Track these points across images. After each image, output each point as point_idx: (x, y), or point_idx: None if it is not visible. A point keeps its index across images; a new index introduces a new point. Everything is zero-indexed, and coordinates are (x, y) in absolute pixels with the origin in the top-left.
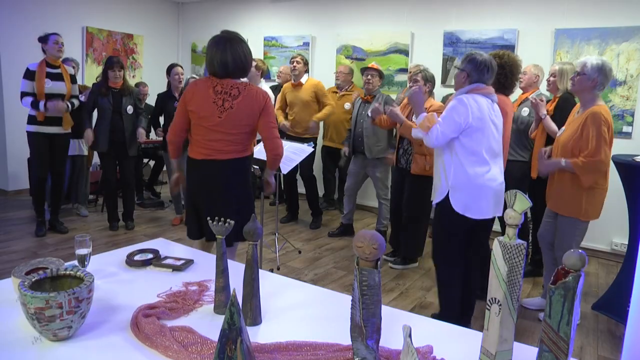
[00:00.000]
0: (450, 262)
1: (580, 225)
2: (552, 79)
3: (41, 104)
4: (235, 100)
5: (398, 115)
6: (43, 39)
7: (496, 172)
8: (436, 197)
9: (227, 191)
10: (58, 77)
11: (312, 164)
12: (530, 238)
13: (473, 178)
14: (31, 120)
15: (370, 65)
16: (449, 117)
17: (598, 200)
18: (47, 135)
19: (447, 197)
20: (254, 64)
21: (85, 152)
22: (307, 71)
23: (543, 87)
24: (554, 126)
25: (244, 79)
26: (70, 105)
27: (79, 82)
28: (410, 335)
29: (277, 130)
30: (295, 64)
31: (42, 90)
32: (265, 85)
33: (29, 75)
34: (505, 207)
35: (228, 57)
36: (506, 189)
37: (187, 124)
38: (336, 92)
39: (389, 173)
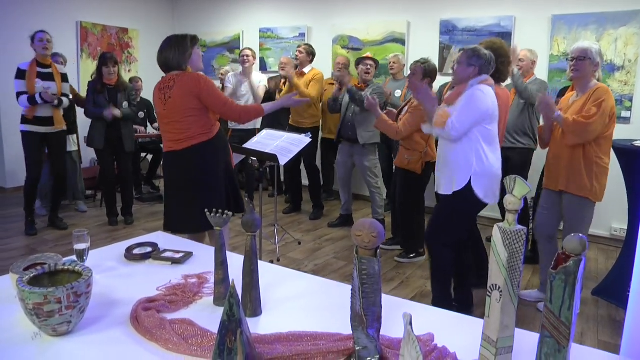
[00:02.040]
0: (452, 246)
1: (590, 208)
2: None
3: (37, 96)
4: (172, 90)
5: (374, 107)
6: (32, 38)
7: (500, 158)
8: (455, 185)
9: (188, 180)
10: (49, 77)
11: (315, 153)
12: (531, 225)
13: (493, 165)
14: (24, 119)
15: (365, 55)
16: (468, 107)
17: (604, 182)
18: (40, 135)
19: (469, 183)
20: (249, 53)
21: (75, 148)
22: (311, 62)
23: (537, 73)
24: None
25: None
26: (58, 102)
27: (75, 77)
28: (410, 323)
29: (227, 103)
30: (297, 53)
31: (32, 91)
32: (257, 75)
33: (21, 74)
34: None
35: (159, 57)
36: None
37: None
38: (333, 84)
39: (378, 161)
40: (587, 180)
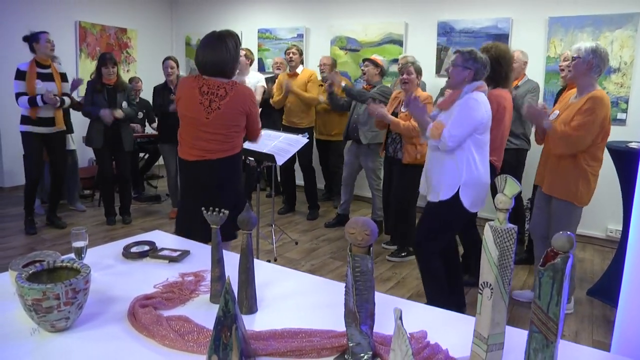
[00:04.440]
0: (439, 253)
1: (575, 211)
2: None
3: (38, 98)
4: (223, 101)
5: (385, 116)
6: (33, 38)
7: (488, 166)
8: (442, 194)
9: (219, 190)
10: (49, 77)
11: (311, 154)
12: (526, 226)
13: (483, 174)
14: (24, 120)
15: (370, 57)
16: (464, 117)
17: (592, 187)
18: (41, 135)
19: (457, 193)
20: (242, 53)
21: (74, 147)
22: (302, 62)
23: (534, 75)
24: None
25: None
26: (61, 101)
27: (74, 77)
28: (401, 318)
29: (259, 123)
30: (291, 54)
31: (33, 92)
32: (255, 75)
33: (20, 75)
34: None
35: (207, 57)
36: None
37: None
38: (322, 85)
39: (381, 163)
40: (572, 185)
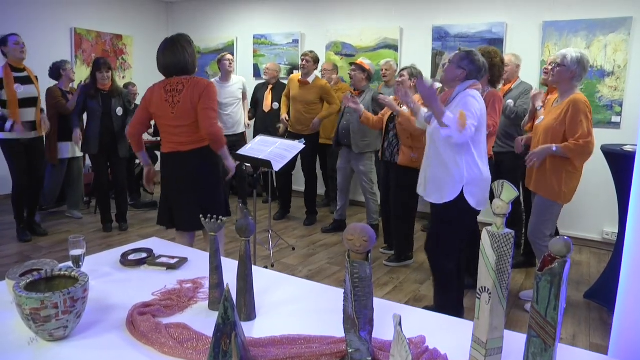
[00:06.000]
0: (454, 257)
1: (557, 208)
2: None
3: (8, 125)
4: (181, 95)
5: (393, 107)
6: (2, 41)
7: (487, 163)
8: (446, 195)
9: (192, 180)
10: (27, 80)
11: (315, 160)
12: (524, 229)
13: (484, 171)
14: (2, 127)
15: (356, 62)
16: (472, 112)
17: (574, 185)
18: (21, 142)
19: (461, 193)
20: (231, 57)
21: (79, 154)
22: (316, 69)
23: (529, 79)
24: None
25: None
26: (47, 125)
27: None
28: (400, 324)
29: (213, 112)
30: (305, 62)
31: (14, 98)
32: (237, 79)
33: None
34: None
35: (168, 60)
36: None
37: (146, 119)
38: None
39: (374, 167)
40: (555, 184)
